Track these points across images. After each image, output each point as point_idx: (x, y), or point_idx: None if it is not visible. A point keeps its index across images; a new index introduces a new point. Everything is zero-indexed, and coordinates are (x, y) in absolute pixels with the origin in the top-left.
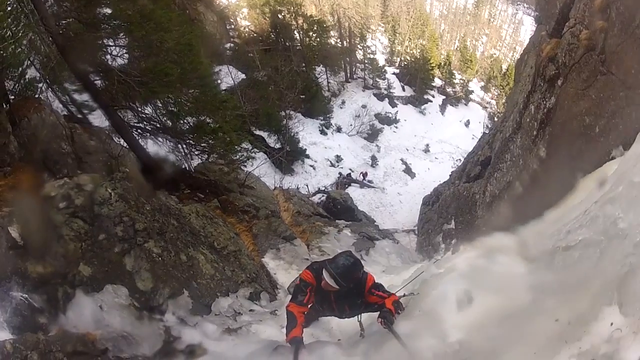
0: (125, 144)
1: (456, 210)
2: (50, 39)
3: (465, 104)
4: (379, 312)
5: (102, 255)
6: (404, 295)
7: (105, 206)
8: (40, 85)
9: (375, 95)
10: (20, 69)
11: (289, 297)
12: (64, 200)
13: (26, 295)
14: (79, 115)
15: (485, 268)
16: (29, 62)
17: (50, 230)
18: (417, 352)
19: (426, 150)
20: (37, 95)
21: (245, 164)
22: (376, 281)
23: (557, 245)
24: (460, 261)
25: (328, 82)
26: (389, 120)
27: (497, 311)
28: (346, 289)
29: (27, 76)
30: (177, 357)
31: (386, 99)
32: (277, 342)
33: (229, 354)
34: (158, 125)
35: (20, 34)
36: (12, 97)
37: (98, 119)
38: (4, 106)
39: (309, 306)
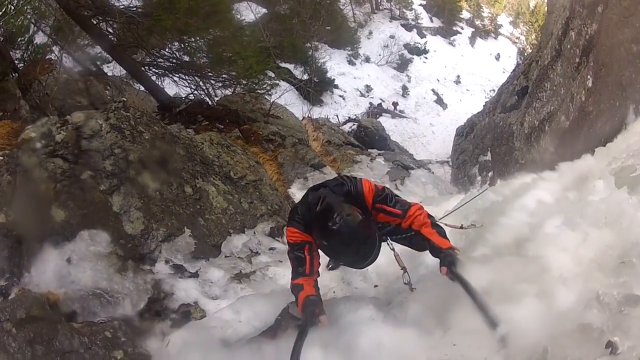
0: (143, 88)
1: (492, 142)
2: None
3: (495, 38)
4: (440, 262)
5: (81, 196)
6: (462, 227)
7: (95, 139)
8: (51, 48)
9: (402, 25)
10: (26, 36)
11: None
12: (43, 139)
13: None
14: (94, 68)
15: (580, 199)
16: (35, 28)
17: (20, 175)
18: (514, 329)
19: (457, 82)
20: (47, 57)
21: (270, 92)
22: (378, 187)
23: None
24: (535, 191)
25: (353, 13)
26: (418, 51)
27: (618, 250)
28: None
29: (35, 42)
30: (165, 321)
31: (414, 29)
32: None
33: (229, 317)
34: (174, 62)
35: (21, 5)
36: (22, 64)
37: (114, 69)
38: (12, 74)
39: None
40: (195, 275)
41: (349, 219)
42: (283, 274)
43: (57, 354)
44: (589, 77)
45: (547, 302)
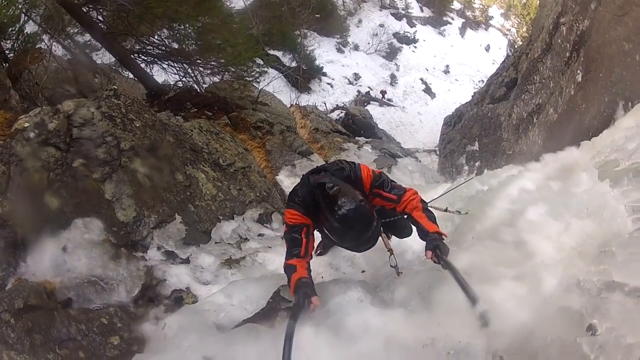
0: (132, 76)
1: (480, 132)
2: None
3: (485, 29)
4: (426, 245)
5: (74, 185)
6: (447, 210)
7: (87, 127)
8: (41, 37)
9: (392, 14)
10: (17, 26)
11: None
12: (36, 129)
13: None
14: (83, 57)
15: (564, 189)
16: (26, 18)
17: (14, 165)
18: (494, 309)
19: (446, 72)
20: (38, 46)
21: (258, 80)
22: (375, 172)
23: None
24: (520, 181)
25: (343, 1)
26: (407, 40)
27: (599, 240)
28: None
29: (26, 31)
30: (158, 307)
31: (404, 18)
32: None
33: (221, 301)
34: (163, 49)
35: None
36: (13, 54)
37: (104, 56)
38: (3, 65)
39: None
40: (186, 261)
41: (357, 204)
42: (272, 259)
43: (55, 342)
44: (578, 71)
45: (529, 286)
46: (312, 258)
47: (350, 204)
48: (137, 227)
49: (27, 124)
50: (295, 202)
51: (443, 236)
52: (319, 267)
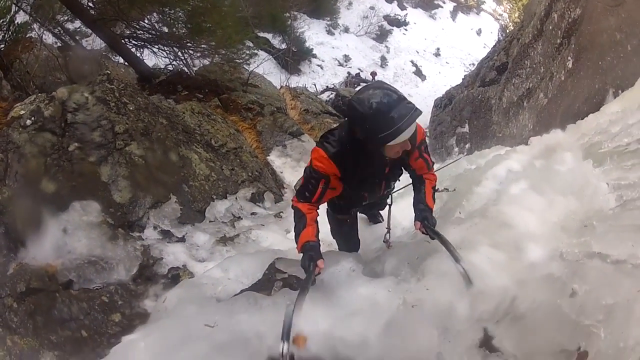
0: (122, 60)
1: (470, 114)
2: None
3: (477, 13)
4: (416, 215)
5: (70, 168)
6: (437, 190)
7: (81, 112)
8: (31, 26)
9: None
10: (8, 17)
11: None
12: (32, 116)
13: None
14: (73, 43)
15: (547, 167)
16: (16, 8)
17: (11, 152)
18: (476, 270)
19: (437, 54)
20: (28, 36)
21: (248, 62)
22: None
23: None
24: (507, 161)
25: None
26: (398, 22)
27: (581, 215)
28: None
29: (16, 22)
30: (157, 284)
31: (395, 1)
32: (280, 250)
33: (218, 275)
34: (154, 33)
35: None
36: (4, 45)
37: (93, 42)
38: None
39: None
40: (182, 239)
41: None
42: (265, 236)
43: (57, 323)
44: (569, 58)
45: (510, 254)
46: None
47: (374, 91)
48: (133, 208)
49: (22, 112)
50: (328, 141)
51: (432, 208)
52: None
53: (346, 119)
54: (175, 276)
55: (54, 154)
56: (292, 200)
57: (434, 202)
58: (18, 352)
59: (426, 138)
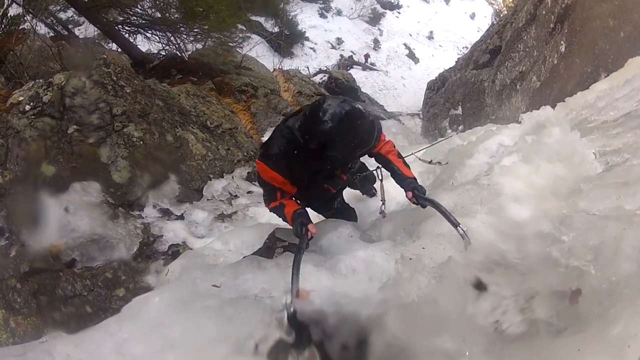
0: (115, 47)
1: (463, 97)
2: None
3: None
4: (405, 188)
5: (70, 150)
6: (431, 162)
7: (79, 96)
8: (24, 17)
9: None
10: (1, 10)
11: None
12: (31, 101)
13: None
14: (66, 33)
15: (537, 140)
16: (10, 1)
17: (12, 137)
18: (471, 230)
19: (430, 37)
20: (21, 27)
21: (241, 45)
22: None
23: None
24: (498, 136)
25: None
26: (391, 5)
27: (570, 181)
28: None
29: (10, 14)
30: (158, 260)
31: None
32: (278, 225)
33: (219, 247)
34: (147, 19)
35: None
36: None
37: (87, 30)
38: None
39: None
40: (181, 217)
41: (337, 101)
42: (263, 213)
43: (61, 301)
44: (562, 42)
45: (499, 215)
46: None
47: (330, 105)
48: (132, 187)
49: (21, 98)
50: (268, 151)
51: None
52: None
53: (301, 122)
54: (176, 252)
55: (53, 137)
56: (270, 209)
57: (410, 169)
58: (22, 332)
59: None
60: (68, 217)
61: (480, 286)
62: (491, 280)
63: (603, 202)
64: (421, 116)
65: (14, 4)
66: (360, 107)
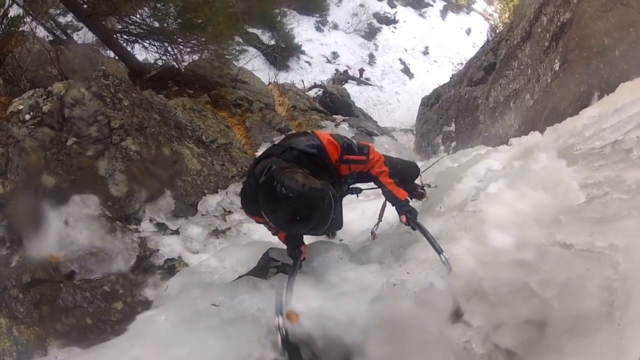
0: (113, 55)
1: (457, 113)
2: None
3: (467, 13)
4: (398, 211)
5: (69, 162)
6: (422, 187)
7: (78, 107)
8: (24, 19)
9: None
10: (1, 10)
11: None
12: (31, 111)
13: None
14: (65, 37)
15: (524, 166)
16: (10, 2)
17: (12, 147)
18: (453, 257)
19: (425, 53)
20: (20, 29)
21: (238, 58)
22: (337, 137)
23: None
24: (487, 160)
25: None
26: (387, 20)
27: (553, 210)
28: None
29: (10, 15)
30: (154, 275)
31: None
32: (272, 242)
33: (215, 264)
34: (145, 28)
35: None
36: None
37: (85, 36)
38: None
39: None
40: (176, 232)
41: (292, 182)
42: (256, 229)
43: (62, 312)
44: (556, 61)
45: (480, 242)
46: None
47: (283, 184)
48: (129, 201)
49: (21, 107)
50: (243, 201)
51: (408, 199)
52: None
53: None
54: (171, 267)
55: (53, 149)
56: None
57: (402, 187)
58: (24, 341)
59: (340, 136)
60: (68, 230)
61: (459, 315)
62: (468, 309)
63: (577, 236)
64: (414, 132)
65: (15, 4)
66: (299, 186)
